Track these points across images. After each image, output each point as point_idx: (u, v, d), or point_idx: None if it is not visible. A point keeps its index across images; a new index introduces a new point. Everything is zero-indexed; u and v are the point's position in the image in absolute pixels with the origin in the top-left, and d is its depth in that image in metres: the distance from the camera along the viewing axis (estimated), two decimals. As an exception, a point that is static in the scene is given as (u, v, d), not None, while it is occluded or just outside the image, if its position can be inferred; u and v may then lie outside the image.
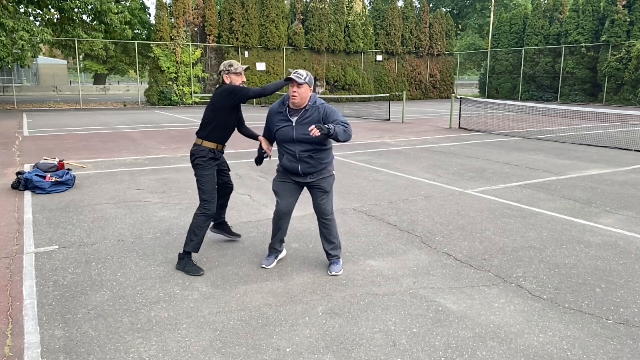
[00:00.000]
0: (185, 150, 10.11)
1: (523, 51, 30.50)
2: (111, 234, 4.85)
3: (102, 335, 2.97)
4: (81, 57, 33.07)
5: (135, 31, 31.90)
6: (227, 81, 4.00)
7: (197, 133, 4.07)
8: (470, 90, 45.13)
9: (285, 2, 28.05)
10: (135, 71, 31.64)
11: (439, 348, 2.85)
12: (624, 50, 25.39)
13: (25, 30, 18.93)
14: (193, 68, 25.64)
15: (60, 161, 7.24)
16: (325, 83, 28.99)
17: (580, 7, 27.73)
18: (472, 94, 36.20)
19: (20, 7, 21.31)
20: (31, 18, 21.91)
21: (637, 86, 25.25)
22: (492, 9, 35.69)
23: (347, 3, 29.02)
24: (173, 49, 24.87)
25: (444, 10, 41.37)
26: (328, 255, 4.01)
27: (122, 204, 5.97)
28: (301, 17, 27.99)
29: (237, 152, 9.80)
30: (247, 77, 24.69)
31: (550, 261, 4.19)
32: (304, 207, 5.41)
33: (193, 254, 4.05)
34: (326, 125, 3.54)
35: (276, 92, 4.16)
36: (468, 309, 3.32)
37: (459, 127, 14.68)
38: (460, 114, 15.36)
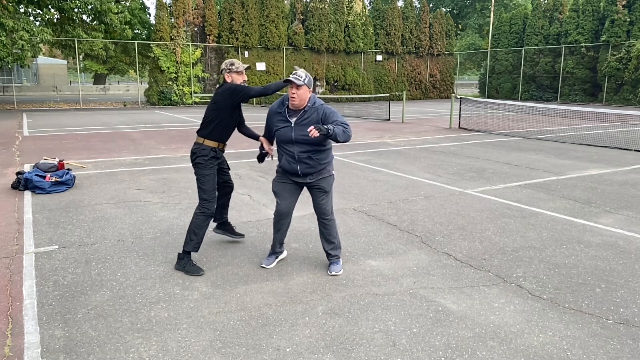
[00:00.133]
0: (185, 150, 10.11)
1: (523, 51, 30.50)
2: (111, 234, 4.85)
3: (102, 335, 2.97)
4: (81, 57, 33.06)
5: (135, 31, 31.92)
6: (229, 80, 4.01)
7: (198, 132, 4.07)
8: (470, 90, 45.12)
9: (285, 2, 28.04)
10: (135, 71, 31.66)
11: (439, 348, 2.85)
12: (624, 50, 25.39)
13: (25, 30, 18.94)
14: (193, 68, 25.64)
15: (60, 161, 7.24)
16: (325, 83, 28.99)
17: (580, 7, 27.73)
18: (472, 94, 36.19)
19: (20, 7, 21.31)
20: (31, 18, 21.92)
21: (637, 86, 25.25)
22: (492, 9, 35.70)
23: (347, 3, 29.02)
24: (173, 49, 24.87)
25: (444, 10, 41.39)
26: (328, 255, 4.02)
27: (122, 204, 5.97)
28: (301, 17, 27.99)
29: (237, 152, 9.80)
30: (247, 77, 24.68)
31: (550, 261, 4.19)
32: (304, 207, 5.41)
33: (193, 254, 4.05)
34: (325, 126, 3.53)
35: (276, 92, 4.16)
36: (468, 309, 3.32)
37: (459, 127, 14.68)
38: (460, 114, 15.36)
